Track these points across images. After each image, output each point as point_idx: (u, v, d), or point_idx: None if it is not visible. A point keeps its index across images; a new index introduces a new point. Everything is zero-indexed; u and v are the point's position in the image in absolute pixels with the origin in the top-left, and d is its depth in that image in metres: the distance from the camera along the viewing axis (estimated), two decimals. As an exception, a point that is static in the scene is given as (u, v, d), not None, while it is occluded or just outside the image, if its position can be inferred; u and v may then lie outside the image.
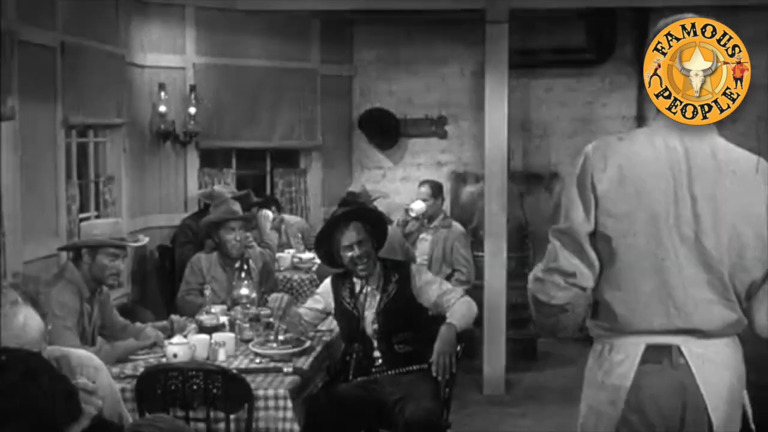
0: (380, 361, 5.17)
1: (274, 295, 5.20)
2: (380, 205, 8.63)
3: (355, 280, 5.27)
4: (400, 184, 9.92)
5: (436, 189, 8.29)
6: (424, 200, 8.14)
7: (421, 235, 8.22)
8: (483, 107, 7.93)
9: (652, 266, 2.83)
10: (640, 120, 9.43)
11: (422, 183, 8.44)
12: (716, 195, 2.85)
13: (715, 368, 2.86)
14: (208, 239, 6.52)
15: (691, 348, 2.84)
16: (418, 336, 5.18)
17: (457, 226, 8.26)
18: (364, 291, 5.23)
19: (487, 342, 7.75)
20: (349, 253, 5.18)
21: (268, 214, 8.43)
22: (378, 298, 5.22)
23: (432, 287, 5.21)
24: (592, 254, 2.91)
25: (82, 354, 3.41)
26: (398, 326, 5.18)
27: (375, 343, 5.18)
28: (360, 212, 5.61)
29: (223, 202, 6.57)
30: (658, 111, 2.99)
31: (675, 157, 2.88)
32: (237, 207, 6.48)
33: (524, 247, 8.68)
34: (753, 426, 2.99)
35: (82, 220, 6.84)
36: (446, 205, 9.59)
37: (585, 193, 2.92)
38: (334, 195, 9.59)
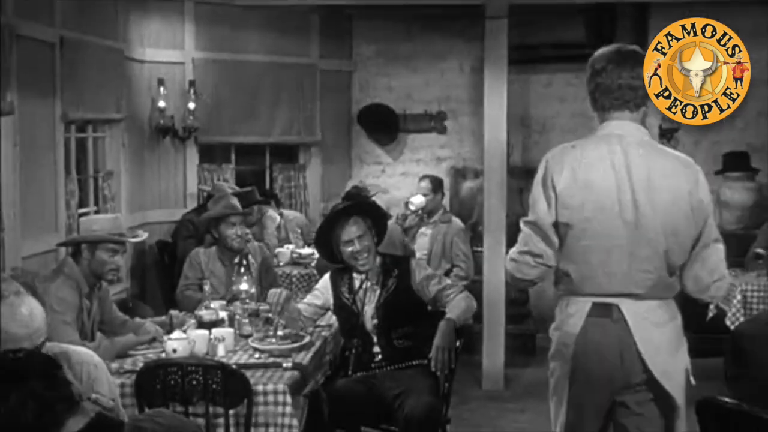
0: (380, 356, 5.17)
1: (273, 291, 5.20)
2: (380, 201, 8.63)
3: (354, 275, 5.26)
4: (399, 180, 9.92)
5: (436, 184, 8.30)
6: (424, 195, 8.14)
7: (421, 230, 8.23)
8: (482, 102, 7.93)
9: (600, 245, 3.51)
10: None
11: (422, 178, 8.45)
12: (651, 186, 3.51)
13: (648, 325, 3.53)
14: (207, 234, 6.52)
15: (628, 307, 3.52)
16: (417, 331, 5.18)
17: (456, 221, 8.26)
18: (364, 286, 5.23)
19: (486, 337, 7.76)
20: (349, 248, 5.18)
21: (275, 216, 8.45)
22: (377, 293, 5.21)
23: (431, 282, 5.20)
24: (555, 239, 3.61)
25: (81, 351, 3.41)
26: (398, 321, 5.18)
27: (374, 338, 5.18)
28: (360, 207, 5.61)
29: (222, 197, 6.57)
30: (603, 120, 3.72)
31: (616, 158, 3.55)
32: (236, 202, 6.49)
33: (523, 242, 8.67)
34: (693, 380, 3.64)
35: (81, 215, 6.83)
36: (446, 201, 9.59)
37: (547, 191, 3.61)
38: (334, 190, 9.60)
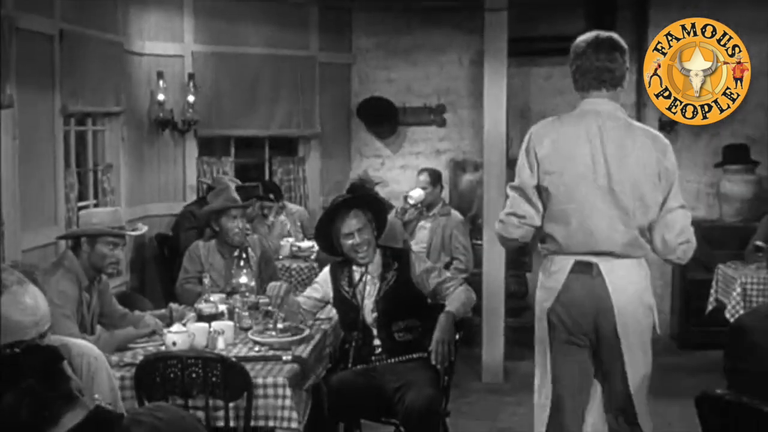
0: (380, 349, 5.18)
1: (272, 284, 5.20)
2: (381, 193, 8.66)
3: (354, 268, 5.27)
4: (399, 173, 9.91)
5: (435, 177, 8.30)
6: (423, 188, 8.14)
7: (420, 223, 8.24)
8: (482, 95, 7.92)
9: (579, 208, 3.99)
10: (640, 107, 9.41)
11: (421, 171, 8.45)
12: (622, 156, 3.99)
13: (622, 281, 4.02)
14: (207, 227, 6.51)
15: (605, 265, 4.01)
16: (417, 324, 5.19)
17: (455, 214, 8.26)
18: (364, 279, 5.23)
19: (485, 330, 7.77)
20: (349, 241, 5.18)
21: (286, 222, 8.44)
22: (377, 286, 5.22)
23: (431, 275, 5.21)
24: (538, 202, 4.08)
25: (81, 343, 3.42)
26: (398, 314, 5.19)
27: (375, 332, 5.18)
28: (361, 200, 5.61)
29: (223, 190, 6.56)
30: (583, 98, 4.13)
31: (592, 131, 4.03)
32: (237, 195, 6.48)
33: (523, 235, 8.67)
34: (658, 330, 4.18)
35: (80, 208, 6.84)
36: (445, 193, 9.59)
37: (530, 159, 4.09)
38: (333, 183, 9.60)
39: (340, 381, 5.04)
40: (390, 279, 5.22)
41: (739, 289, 6.94)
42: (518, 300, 8.59)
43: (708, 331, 8.13)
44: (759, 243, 7.29)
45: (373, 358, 5.17)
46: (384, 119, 10.01)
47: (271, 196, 8.39)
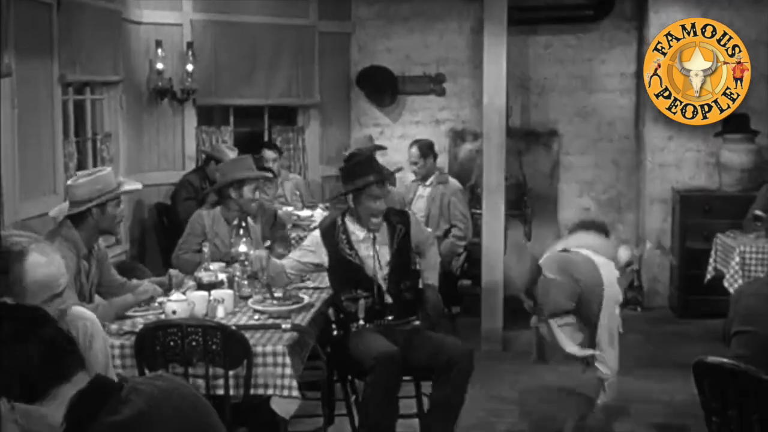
0: (392, 307, 5.30)
1: (254, 256, 5.19)
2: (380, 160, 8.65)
3: (351, 229, 5.31)
4: (398, 142, 9.88)
5: (425, 148, 8.29)
6: (413, 162, 8.18)
7: (418, 193, 8.24)
8: (481, 64, 7.90)
9: None
10: (639, 77, 9.38)
11: (412, 144, 8.43)
12: None
13: None
14: (219, 195, 6.46)
15: None
16: (414, 285, 5.43)
17: (453, 182, 8.26)
18: (370, 236, 5.31)
19: (484, 299, 7.78)
20: (374, 204, 5.26)
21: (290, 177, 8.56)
22: (388, 244, 5.35)
23: (420, 229, 5.60)
24: None
25: (76, 307, 3.42)
26: (405, 273, 5.39)
27: (385, 287, 5.29)
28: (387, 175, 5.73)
29: (241, 160, 6.60)
30: None
31: None
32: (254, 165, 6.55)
33: (522, 204, 8.69)
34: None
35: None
36: (444, 163, 9.61)
37: None
38: (332, 152, 9.59)
39: (363, 338, 5.12)
40: (398, 237, 5.36)
41: (737, 259, 6.96)
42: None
43: (707, 300, 8.16)
44: (758, 212, 7.29)
45: (388, 316, 5.27)
46: (383, 88, 9.99)
47: (273, 162, 8.40)
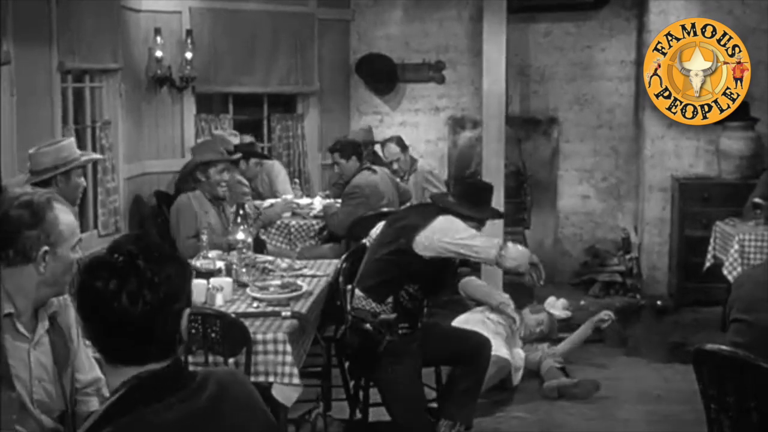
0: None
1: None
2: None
3: None
4: (397, 129, 9.85)
5: (402, 142, 8.39)
6: (396, 159, 8.19)
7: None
8: (481, 52, 7.88)
9: None
10: (639, 65, 9.37)
11: (384, 143, 8.46)
12: None
13: None
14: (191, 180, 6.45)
15: None
16: None
17: (421, 166, 8.35)
18: None
19: (484, 287, 7.77)
20: None
21: (280, 167, 8.51)
22: None
23: None
24: None
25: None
26: None
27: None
28: None
29: (209, 142, 6.65)
30: None
31: None
32: (223, 148, 6.53)
33: (522, 192, 8.68)
34: None
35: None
36: (444, 150, 9.64)
37: None
38: (331, 140, 9.58)
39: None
40: None
41: (736, 246, 6.95)
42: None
43: (705, 288, 8.17)
44: (757, 200, 7.29)
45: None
46: (383, 76, 9.97)
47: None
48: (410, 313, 4.99)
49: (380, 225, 5.38)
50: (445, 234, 4.81)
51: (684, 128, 8.85)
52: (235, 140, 7.88)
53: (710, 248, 7.60)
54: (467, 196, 5.18)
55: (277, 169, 8.60)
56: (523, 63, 9.71)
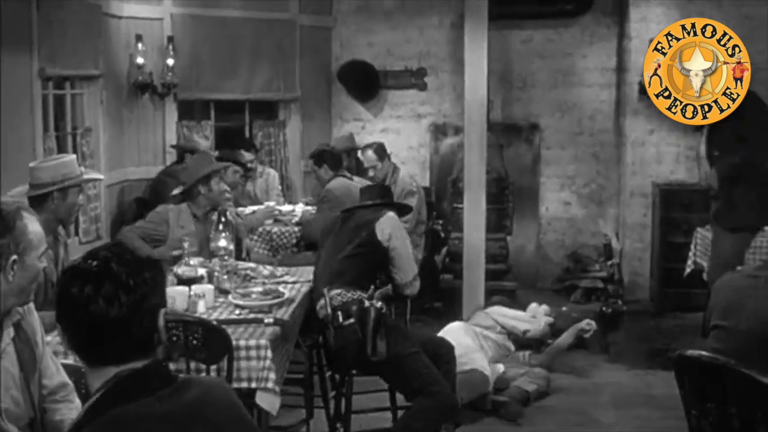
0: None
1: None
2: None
3: None
4: (380, 136, 9.85)
5: (381, 150, 8.17)
6: (372, 167, 8.06)
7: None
8: (462, 59, 7.90)
9: None
10: (620, 72, 9.42)
11: (364, 149, 8.28)
12: None
13: None
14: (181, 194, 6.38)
15: None
16: None
17: (402, 178, 8.20)
18: None
19: (466, 293, 7.78)
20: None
21: (274, 173, 8.52)
22: None
23: None
24: None
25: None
26: None
27: None
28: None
29: (205, 156, 6.59)
30: None
31: None
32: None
33: (504, 199, 8.70)
34: None
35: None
36: (426, 157, 9.65)
37: None
38: (313, 147, 9.57)
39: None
40: None
41: (717, 252, 6.97)
42: (499, 263, 8.62)
43: (686, 294, 8.21)
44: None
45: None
46: (365, 83, 9.98)
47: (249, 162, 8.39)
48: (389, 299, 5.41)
49: None
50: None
51: (665, 134, 8.90)
52: (205, 143, 7.89)
53: (691, 254, 7.63)
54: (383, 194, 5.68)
55: (273, 178, 8.67)
56: (505, 70, 9.74)
